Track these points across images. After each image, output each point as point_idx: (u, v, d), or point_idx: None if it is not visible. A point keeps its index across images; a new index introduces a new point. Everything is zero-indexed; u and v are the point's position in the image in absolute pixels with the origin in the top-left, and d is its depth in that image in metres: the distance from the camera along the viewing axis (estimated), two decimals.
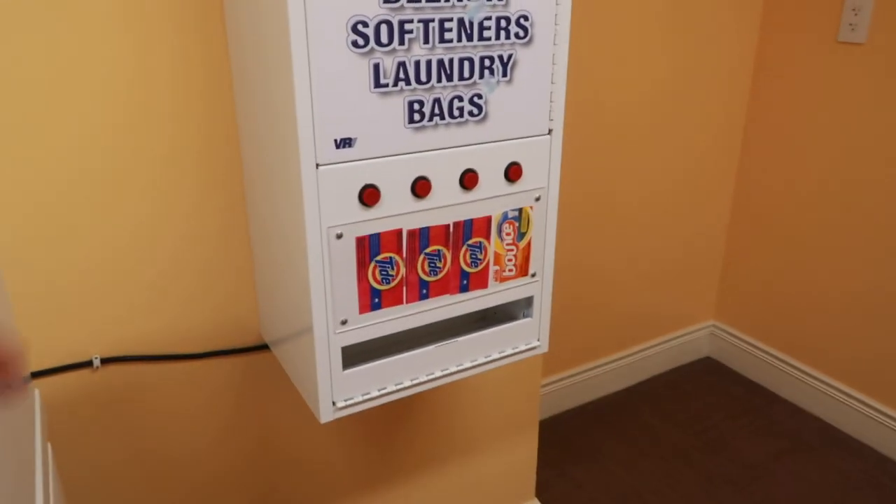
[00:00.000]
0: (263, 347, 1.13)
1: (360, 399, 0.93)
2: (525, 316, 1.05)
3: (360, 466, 1.33)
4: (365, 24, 0.76)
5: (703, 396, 2.21)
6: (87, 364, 0.99)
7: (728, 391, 2.25)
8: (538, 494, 1.74)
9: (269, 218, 0.95)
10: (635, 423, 2.08)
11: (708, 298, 2.36)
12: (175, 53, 0.93)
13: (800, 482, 1.84)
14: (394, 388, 0.95)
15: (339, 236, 0.83)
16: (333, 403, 0.91)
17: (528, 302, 1.04)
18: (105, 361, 1.00)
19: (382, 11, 0.77)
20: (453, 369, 1.00)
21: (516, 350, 1.05)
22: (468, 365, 1.01)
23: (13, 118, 0.85)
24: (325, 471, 1.29)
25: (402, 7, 0.78)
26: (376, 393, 0.94)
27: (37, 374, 0.95)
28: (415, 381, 0.97)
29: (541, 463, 1.89)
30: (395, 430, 1.35)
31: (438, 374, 0.98)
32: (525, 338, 1.06)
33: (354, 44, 0.76)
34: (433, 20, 0.80)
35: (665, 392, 2.23)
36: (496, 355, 1.03)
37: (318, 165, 0.79)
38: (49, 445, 0.74)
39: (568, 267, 1.94)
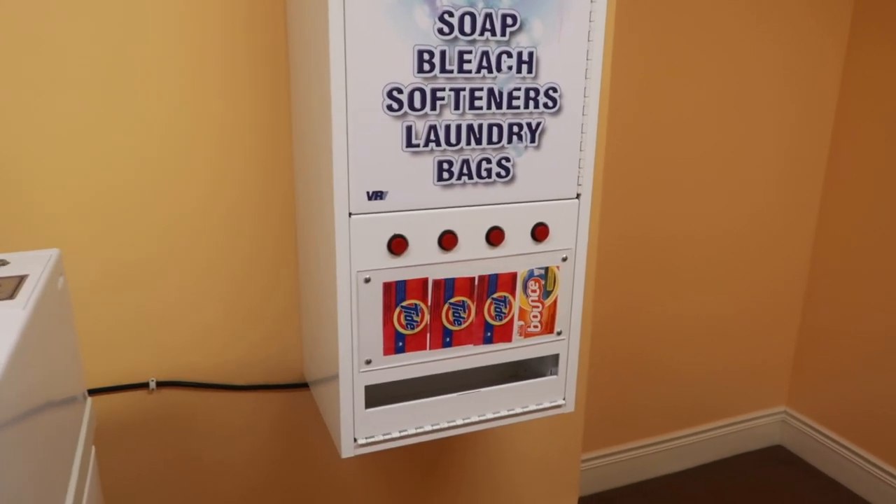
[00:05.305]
0: (303, 386, 1.20)
1: (381, 438, 0.98)
2: (551, 373, 1.07)
3: None
4: (399, 91, 0.85)
5: (770, 488, 2.09)
6: (144, 385, 1.09)
7: (798, 484, 2.11)
8: None
9: (311, 262, 1.04)
10: None
11: (779, 383, 2.26)
12: (244, 120, 1.05)
13: None
14: (414, 431, 0.99)
15: (368, 280, 0.90)
16: (355, 440, 0.96)
17: (555, 360, 1.07)
18: (160, 385, 1.10)
19: (416, 80, 0.86)
20: (475, 419, 1.03)
21: (540, 406, 1.07)
22: (490, 416, 1.04)
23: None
24: None
25: (434, 77, 0.86)
26: (396, 434, 0.98)
27: (99, 391, 1.06)
28: (435, 427, 1.00)
29: None
30: (421, 483, 1.37)
31: (459, 422, 1.02)
32: (550, 395, 1.08)
33: (389, 108, 0.85)
34: (464, 89, 0.88)
35: (728, 479, 2.13)
36: (519, 409, 1.06)
37: (350, 214, 0.87)
38: (93, 448, 0.83)
39: (623, 337, 1.93)
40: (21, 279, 0.68)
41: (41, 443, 0.60)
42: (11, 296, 0.63)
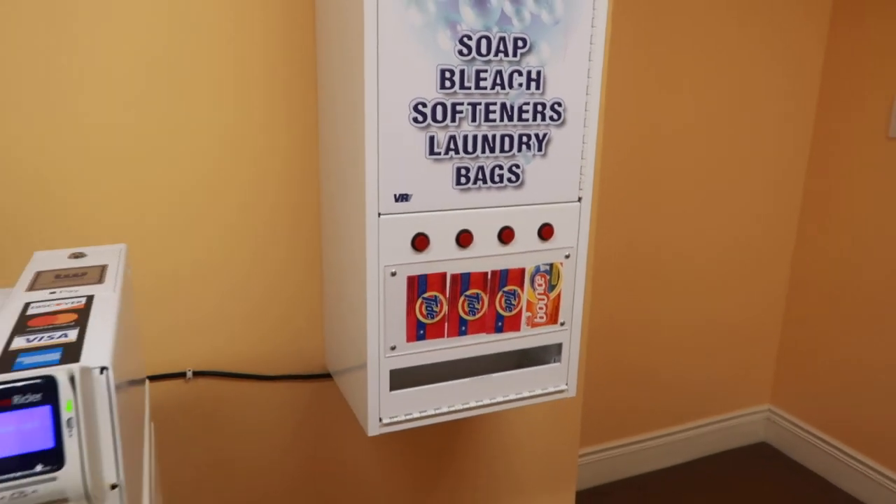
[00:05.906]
0: (326, 376, 1.30)
1: (403, 418, 1.08)
2: (555, 361, 1.18)
3: (399, 494, 1.46)
4: (424, 105, 0.96)
5: (756, 483, 2.20)
6: (182, 375, 1.19)
7: (783, 480, 2.23)
8: None
9: (339, 259, 1.14)
10: None
11: (763, 382, 2.38)
12: (280, 136, 1.16)
13: None
14: (433, 412, 1.09)
15: (394, 274, 1.01)
16: (380, 419, 1.06)
17: (558, 348, 1.17)
18: (196, 374, 1.20)
19: (439, 95, 0.97)
20: (486, 401, 1.13)
21: (545, 391, 1.18)
22: (500, 399, 1.14)
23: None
24: (368, 493, 1.42)
25: (454, 93, 0.98)
26: (417, 414, 1.08)
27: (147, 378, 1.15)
28: (451, 409, 1.11)
29: None
30: (428, 471, 1.47)
31: (473, 404, 1.12)
32: (554, 381, 1.18)
33: (415, 120, 0.96)
34: (480, 104, 1.00)
35: (716, 475, 2.24)
36: (526, 394, 1.16)
37: (379, 214, 0.98)
38: (152, 424, 0.93)
39: (617, 337, 2.04)
40: (103, 268, 0.78)
41: (132, 409, 0.70)
42: (100, 280, 0.73)
